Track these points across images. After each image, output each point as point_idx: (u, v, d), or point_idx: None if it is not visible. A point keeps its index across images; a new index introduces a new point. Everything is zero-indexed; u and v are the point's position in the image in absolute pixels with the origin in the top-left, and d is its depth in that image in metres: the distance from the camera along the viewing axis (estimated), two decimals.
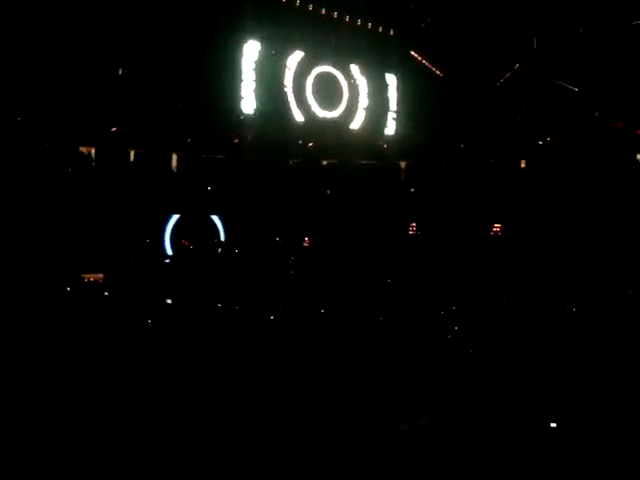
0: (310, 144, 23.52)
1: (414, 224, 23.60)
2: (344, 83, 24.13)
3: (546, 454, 3.35)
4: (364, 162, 24.49)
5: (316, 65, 23.31)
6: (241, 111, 21.52)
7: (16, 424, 4.56)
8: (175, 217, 19.58)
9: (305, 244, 22.53)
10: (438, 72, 25.52)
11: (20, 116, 17.43)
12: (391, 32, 24.95)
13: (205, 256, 19.56)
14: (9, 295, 10.76)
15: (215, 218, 20.55)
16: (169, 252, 19.35)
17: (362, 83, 24.52)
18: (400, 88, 25.24)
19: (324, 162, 24.36)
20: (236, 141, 21.89)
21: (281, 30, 22.01)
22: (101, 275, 15.68)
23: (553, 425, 3.68)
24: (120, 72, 19.13)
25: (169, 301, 11.43)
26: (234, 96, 21.33)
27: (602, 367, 5.94)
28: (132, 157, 20.13)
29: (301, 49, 22.73)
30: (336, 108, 23.94)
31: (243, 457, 4.13)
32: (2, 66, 16.06)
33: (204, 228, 20.35)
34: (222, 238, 20.60)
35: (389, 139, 25.23)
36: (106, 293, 12.14)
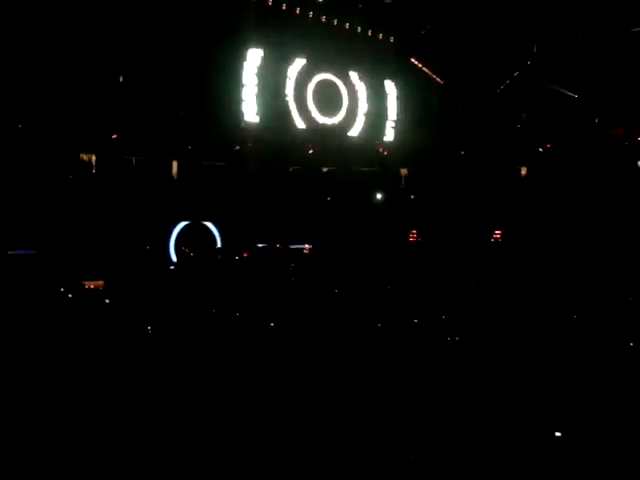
0: (310, 151, 23.54)
1: (414, 231, 23.60)
2: (344, 90, 24.18)
3: (552, 464, 3.33)
4: (364, 169, 24.50)
5: (317, 72, 23.36)
6: (242, 118, 21.56)
7: (17, 431, 4.55)
8: (181, 224, 19.58)
9: (305, 251, 22.51)
10: (438, 79, 25.56)
11: (21, 123, 17.45)
12: (391, 39, 25.00)
13: (204, 263, 19.54)
14: (9, 302, 10.75)
15: (210, 225, 20.50)
16: (174, 259, 19.35)
17: (362, 90, 24.56)
18: (400, 95, 25.29)
19: (324, 169, 24.38)
20: (237, 148, 21.91)
21: (281, 37, 22.06)
22: (102, 282, 15.66)
23: (558, 434, 3.66)
24: (121, 79, 19.15)
25: (170, 308, 11.41)
26: (235, 103, 21.36)
27: (605, 373, 5.92)
28: (133, 164, 20.12)
29: (301, 56, 22.79)
30: (336, 115, 23.98)
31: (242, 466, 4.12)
32: (3, 73, 16.08)
33: (203, 235, 20.34)
34: (219, 245, 20.58)
35: (389, 146, 25.26)
36: (107, 300, 12.12)
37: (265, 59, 21.77)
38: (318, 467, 3.84)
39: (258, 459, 4.07)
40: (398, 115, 25.29)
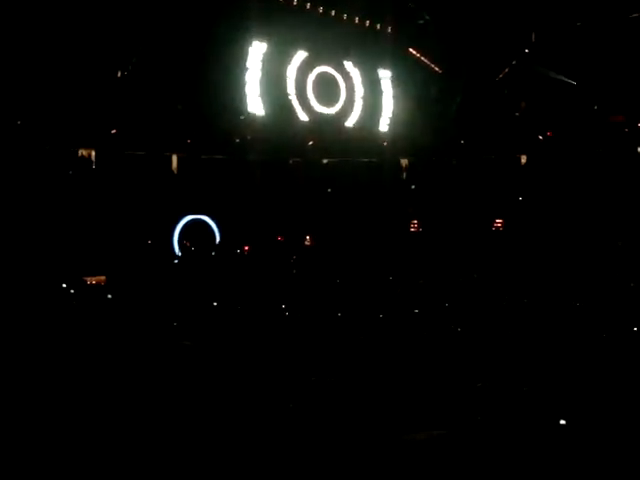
0: (311, 143, 23.50)
1: (415, 221, 23.60)
2: (344, 82, 24.09)
3: (557, 452, 3.33)
4: (365, 160, 24.47)
5: (316, 64, 23.27)
6: (241, 111, 21.50)
7: (19, 428, 4.56)
8: (184, 219, 19.63)
9: (307, 243, 22.53)
10: (437, 68, 25.48)
11: (20, 119, 17.43)
12: (389, 29, 24.90)
13: (205, 256, 19.59)
14: (11, 298, 10.77)
15: (207, 219, 20.52)
16: (177, 253, 19.39)
17: (362, 81, 24.47)
18: (400, 85, 25.18)
19: (325, 160, 24.34)
20: (237, 141, 21.88)
21: (279, 29, 21.97)
22: (103, 278, 15.68)
23: (562, 422, 3.66)
24: (119, 74, 19.11)
25: (173, 302, 11.44)
26: (234, 96, 21.29)
27: (607, 361, 5.93)
28: (132, 159, 20.10)
29: (301, 48, 22.69)
30: (337, 107, 23.89)
31: (243, 459, 4.13)
32: (2, 70, 16.06)
33: (204, 229, 20.36)
34: (217, 239, 20.60)
35: (389, 137, 25.18)
36: (109, 295, 12.14)
37: (263, 51, 21.68)
38: (319, 459, 3.85)
39: (260, 453, 4.08)
40: (397, 105, 25.18)
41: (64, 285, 13.12)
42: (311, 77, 23.16)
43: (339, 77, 24.02)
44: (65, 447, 4.18)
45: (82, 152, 19.34)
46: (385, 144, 25.12)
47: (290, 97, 22.60)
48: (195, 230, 20.08)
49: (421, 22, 24.61)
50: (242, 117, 21.60)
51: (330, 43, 23.41)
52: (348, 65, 24.15)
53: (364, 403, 4.77)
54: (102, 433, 4.41)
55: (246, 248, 20.84)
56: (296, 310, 11.09)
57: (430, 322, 9.54)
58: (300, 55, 22.73)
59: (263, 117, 21.83)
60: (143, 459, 4.04)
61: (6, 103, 16.77)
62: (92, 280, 15.00)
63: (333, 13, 23.38)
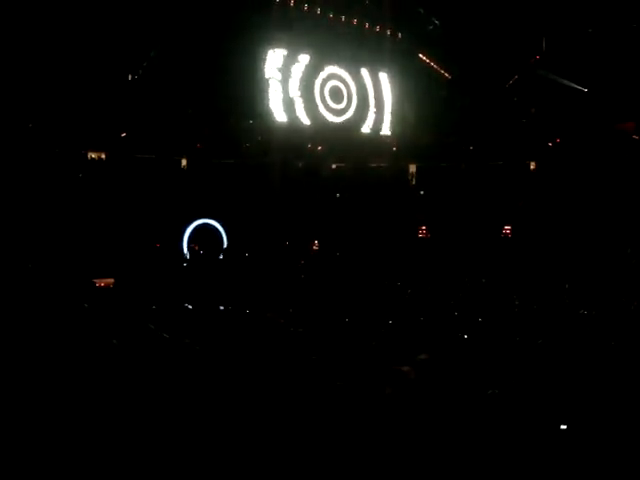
0: (319, 147, 23.54)
1: (424, 227, 23.58)
2: (353, 86, 24.13)
3: (556, 457, 3.34)
4: (374, 165, 24.48)
5: (326, 69, 23.32)
6: (251, 115, 21.58)
7: (23, 433, 4.58)
8: (194, 223, 19.72)
9: (315, 247, 22.54)
10: (447, 74, 25.50)
11: (31, 122, 17.55)
12: (399, 35, 24.95)
13: (213, 260, 19.64)
14: (19, 300, 10.81)
15: (215, 223, 20.57)
16: (186, 256, 19.46)
17: (370, 86, 24.51)
18: (409, 91, 25.21)
19: (333, 165, 24.37)
20: (246, 145, 21.96)
21: (289, 34, 22.06)
22: (112, 280, 15.73)
23: (563, 427, 3.66)
24: (130, 77, 19.23)
25: (181, 305, 11.46)
26: (244, 101, 21.37)
27: (615, 369, 5.92)
28: (142, 162, 20.20)
29: (310, 52, 22.74)
30: (345, 112, 23.93)
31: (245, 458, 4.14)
32: (13, 73, 16.19)
33: (212, 233, 20.43)
34: (225, 242, 20.65)
35: (398, 142, 25.19)
36: (117, 298, 12.18)
37: (274, 56, 21.76)
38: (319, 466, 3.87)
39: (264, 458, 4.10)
40: (406, 111, 25.19)
41: (73, 287, 13.17)
42: (321, 82, 23.22)
43: (348, 82, 24.06)
44: (66, 448, 4.20)
45: (92, 155, 19.46)
46: (394, 149, 25.14)
47: (299, 102, 22.64)
48: (203, 234, 20.14)
49: (431, 27, 24.66)
50: (251, 122, 21.68)
51: (339, 48, 23.48)
52: (357, 70, 24.19)
53: (371, 410, 4.78)
54: (105, 434, 4.44)
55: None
56: (304, 314, 11.10)
57: (438, 328, 9.53)
58: (310, 59, 22.77)
59: (273, 122, 21.89)
60: (148, 460, 4.07)
61: (17, 106, 16.89)
62: (101, 282, 15.06)
63: (343, 18, 23.45)
